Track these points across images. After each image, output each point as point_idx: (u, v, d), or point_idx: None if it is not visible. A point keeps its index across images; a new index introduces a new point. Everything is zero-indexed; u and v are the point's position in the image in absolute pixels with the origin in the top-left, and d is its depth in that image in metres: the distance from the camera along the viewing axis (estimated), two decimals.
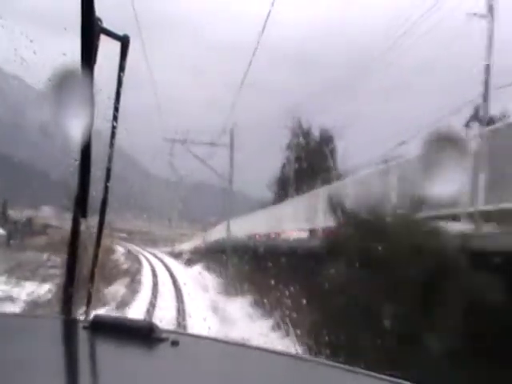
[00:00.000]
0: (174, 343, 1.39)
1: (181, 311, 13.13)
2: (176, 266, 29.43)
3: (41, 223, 36.59)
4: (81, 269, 1.79)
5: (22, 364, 1.21)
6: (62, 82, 1.56)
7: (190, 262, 30.71)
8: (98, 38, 1.63)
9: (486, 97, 15.80)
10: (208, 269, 23.51)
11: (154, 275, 22.44)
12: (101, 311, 12.10)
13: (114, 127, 1.79)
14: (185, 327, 11.11)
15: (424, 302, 5.54)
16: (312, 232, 13.24)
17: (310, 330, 6.64)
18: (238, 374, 1.36)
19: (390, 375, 1.35)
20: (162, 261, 32.97)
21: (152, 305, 14.15)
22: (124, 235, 46.43)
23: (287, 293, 7.71)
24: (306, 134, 28.98)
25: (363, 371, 1.37)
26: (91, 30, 1.58)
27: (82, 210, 1.72)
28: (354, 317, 5.98)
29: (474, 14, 17.32)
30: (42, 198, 38.62)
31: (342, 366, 1.42)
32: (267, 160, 30.84)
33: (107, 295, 15.07)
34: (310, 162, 22.63)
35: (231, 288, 15.08)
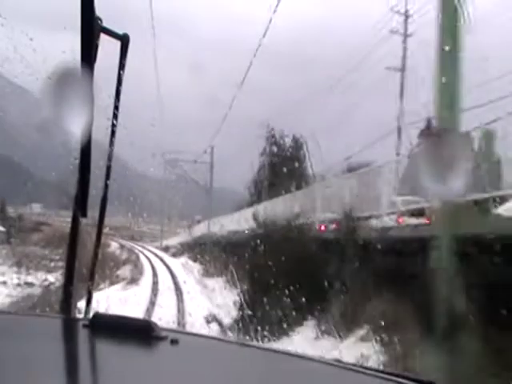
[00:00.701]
0: (174, 342, 1.39)
1: (177, 285, 18.13)
2: (166, 257, 33.53)
3: (35, 220, 37.15)
4: (80, 267, 1.78)
5: (21, 362, 1.21)
6: (62, 81, 1.56)
7: (178, 253, 35.98)
8: (98, 37, 1.63)
9: (399, 131, 20.97)
10: (192, 258, 28.81)
11: (151, 265, 26.13)
12: (119, 284, 17.17)
13: (113, 125, 1.78)
14: (181, 292, 15.94)
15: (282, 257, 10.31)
16: None
17: (244, 278, 12.87)
18: (237, 373, 1.36)
19: (390, 373, 1.35)
20: (154, 253, 35.95)
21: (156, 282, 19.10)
22: (111, 232, 47.08)
23: (237, 266, 14.25)
24: (279, 141, 31.69)
25: (363, 370, 1.36)
26: (91, 29, 1.58)
27: (82, 210, 1.72)
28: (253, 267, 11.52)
29: (389, 68, 21.71)
30: (37, 196, 38.75)
31: (341, 364, 1.41)
32: (254, 159, 32.97)
33: (121, 274, 20.82)
34: (281, 168, 25.39)
35: (209, 270, 20.73)
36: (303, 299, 8.43)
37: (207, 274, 20.44)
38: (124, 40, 1.74)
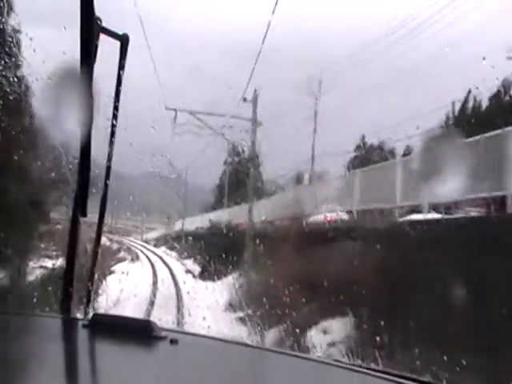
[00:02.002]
0: (173, 341, 1.38)
1: (164, 263, 25.97)
2: (149, 246, 40.26)
3: None
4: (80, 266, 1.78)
5: (21, 362, 1.21)
6: (61, 81, 1.56)
7: (157, 244, 42.80)
8: (97, 37, 1.62)
9: (312, 160, 25.81)
10: (169, 247, 36.17)
11: (141, 251, 34.51)
12: (123, 263, 23.63)
13: (113, 126, 1.77)
14: (169, 266, 23.68)
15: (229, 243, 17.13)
16: None
17: (203, 255, 19.60)
18: (236, 373, 1.35)
19: (390, 373, 1.35)
20: (139, 244, 42.22)
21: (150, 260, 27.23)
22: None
23: (199, 249, 21.27)
24: (238, 151, 34.46)
25: (363, 369, 1.36)
26: (91, 29, 1.57)
27: (82, 209, 1.71)
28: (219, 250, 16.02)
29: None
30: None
31: (342, 364, 1.41)
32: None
33: (123, 255, 29.18)
34: (241, 176, 28.74)
35: (184, 255, 28.52)
36: (235, 259, 15.09)
37: (181, 256, 29.07)
38: (123, 40, 1.73)
